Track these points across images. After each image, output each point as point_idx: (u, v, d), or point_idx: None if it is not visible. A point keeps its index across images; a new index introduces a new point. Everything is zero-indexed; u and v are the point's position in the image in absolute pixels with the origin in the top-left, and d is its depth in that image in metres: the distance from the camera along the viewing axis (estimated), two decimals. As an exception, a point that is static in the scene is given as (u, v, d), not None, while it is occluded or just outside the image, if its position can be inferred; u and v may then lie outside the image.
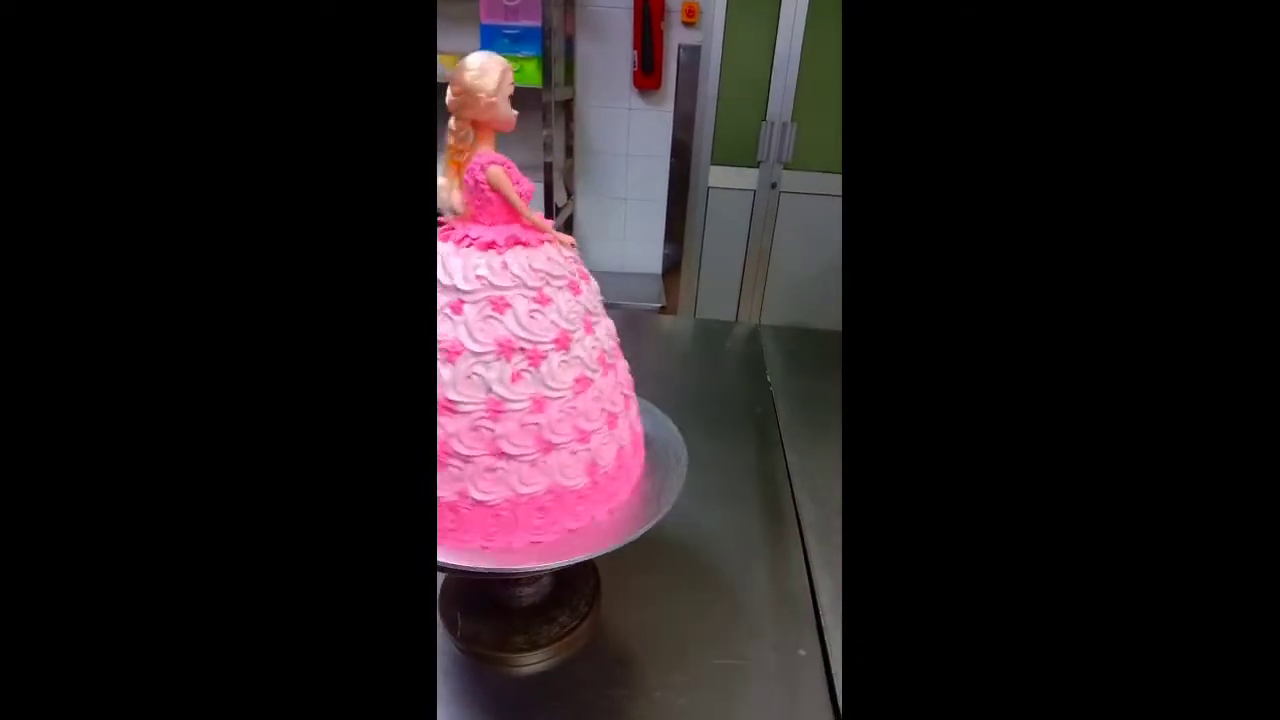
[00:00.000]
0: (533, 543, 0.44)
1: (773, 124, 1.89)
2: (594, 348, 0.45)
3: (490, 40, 1.64)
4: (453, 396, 0.41)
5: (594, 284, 0.48)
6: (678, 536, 0.65)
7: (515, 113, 0.43)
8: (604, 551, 0.43)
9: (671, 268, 2.13)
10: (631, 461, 0.50)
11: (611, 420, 0.46)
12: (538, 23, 1.61)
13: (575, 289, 0.45)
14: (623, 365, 0.50)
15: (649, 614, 0.56)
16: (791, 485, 0.74)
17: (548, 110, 1.68)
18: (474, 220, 0.44)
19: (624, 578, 0.58)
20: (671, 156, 2.00)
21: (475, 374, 0.41)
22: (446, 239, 0.44)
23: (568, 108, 1.95)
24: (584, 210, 2.12)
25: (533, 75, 1.66)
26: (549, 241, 0.44)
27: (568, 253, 0.45)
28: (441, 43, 1.80)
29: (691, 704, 0.48)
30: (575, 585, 0.56)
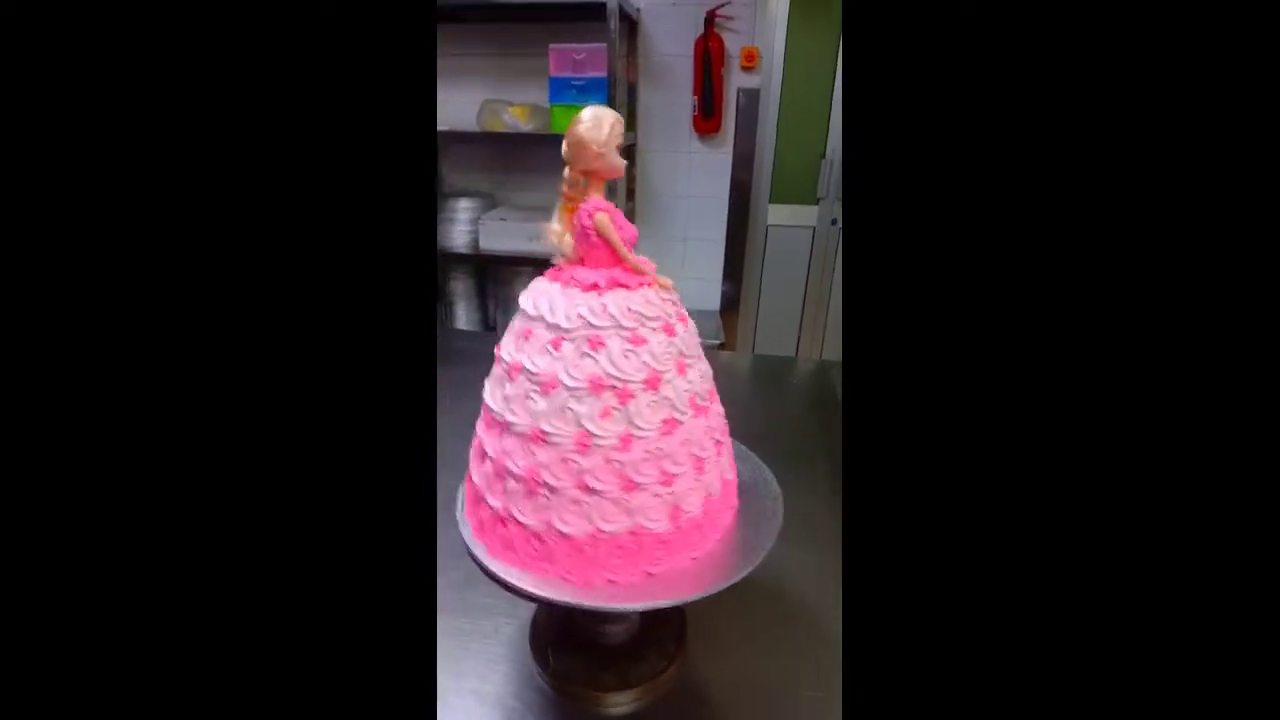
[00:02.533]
0: (609, 580, 0.45)
1: (832, 161, 1.91)
2: (685, 390, 0.46)
3: (559, 92, 1.73)
4: (545, 428, 0.43)
5: (691, 326, 0.49)
6: (760, 575, 0.64)
7: (624, 162, 0.45)
8: (687, 599, 0.43)
9: (729, 305, 2.14)
10: (720, 510, 0.50)
11: (699, 465, 0.47)
12: (603, 73, 1.69)
13: (669, 330, 0.46)
14: (716, 410, 0.51)
15: (736, 656, 0.56)
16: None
17: (611, 155, 1.74)
18: (580, 263, 0.47)
19: (709, 618, 0.58)
20: (730, 195, 2.03)
21: (568, 408, 0.43)
22: (554, 280, 0.47)
23: (630, 152, 2.02)
24: (644, 250, 2.14)
25: (597, 123, 1.73)
26: (648, 285, 0.46)
27: (665, 295, 0.47)
28: (514, 95, 1.90)
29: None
30: (662, 625, 0.56)
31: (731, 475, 0.52)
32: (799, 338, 2.13)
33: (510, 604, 0.58)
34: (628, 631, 0.54)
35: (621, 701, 0.51)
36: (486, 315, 2.14)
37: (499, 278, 2.06)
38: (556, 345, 0.44)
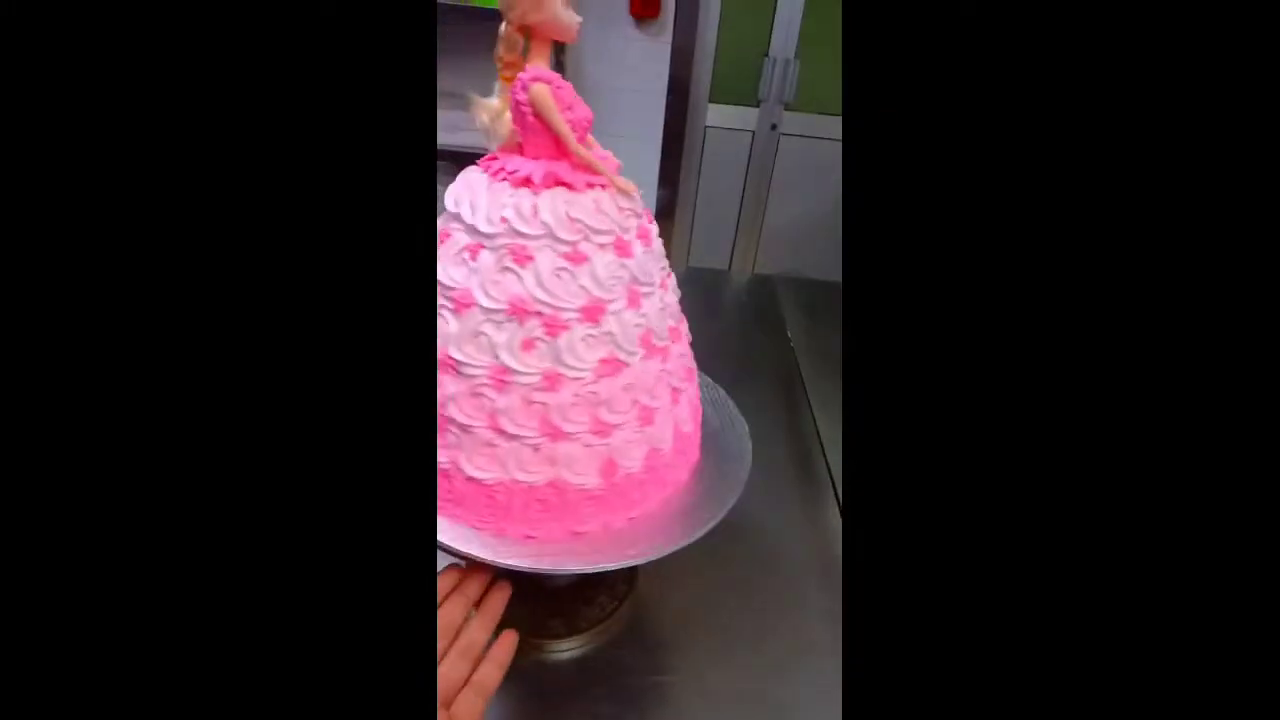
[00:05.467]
0: (527, 536, 0.38)
1: (775, 60, 1.79)
2: (636, 326, 0.38)
3: (475, -43, 1.49)
4: (455, 355, 0.36)
5: (656, 246, 0.41)
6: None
7: (576, 19, 0.35)
8: (607, 566, 0.38)
9: (664, 212, 2.04)
10: (670, 467, 0.43)
11: (646, 415, 0.40)
12: (528, -63, 1.46)
13: (624, 249, 0.38)
14: (680, 350, 0.43)
15: (691, 591, 0.52)
16: (823, 447, 0.71)
17: (538, 37, 1.55)
18: (518, 152, 0.37)
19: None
20: (669, 93, 1.88)
21: (483, 333, 0.35)
22: (484, 170, 0.37)
23: (557, 36, 1.81)
24: (574, 149, 2.01)
25: None
26: (602, 186, 0.37)
27: (625, 203, 0.38)
28: (421, -44, 1.64)
29: (751, 685, 0.45)
30: (611, 562, 0.52)
31: (692, 426, 0.46)
32: (733, 250, 2.08)
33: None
34: (572, 576, 0.50)
35: (568, 647, 0.47)
36: (400, 217, 1.95)
37: (413, 175, 1.85)
38: (474, 254, 0.36)
